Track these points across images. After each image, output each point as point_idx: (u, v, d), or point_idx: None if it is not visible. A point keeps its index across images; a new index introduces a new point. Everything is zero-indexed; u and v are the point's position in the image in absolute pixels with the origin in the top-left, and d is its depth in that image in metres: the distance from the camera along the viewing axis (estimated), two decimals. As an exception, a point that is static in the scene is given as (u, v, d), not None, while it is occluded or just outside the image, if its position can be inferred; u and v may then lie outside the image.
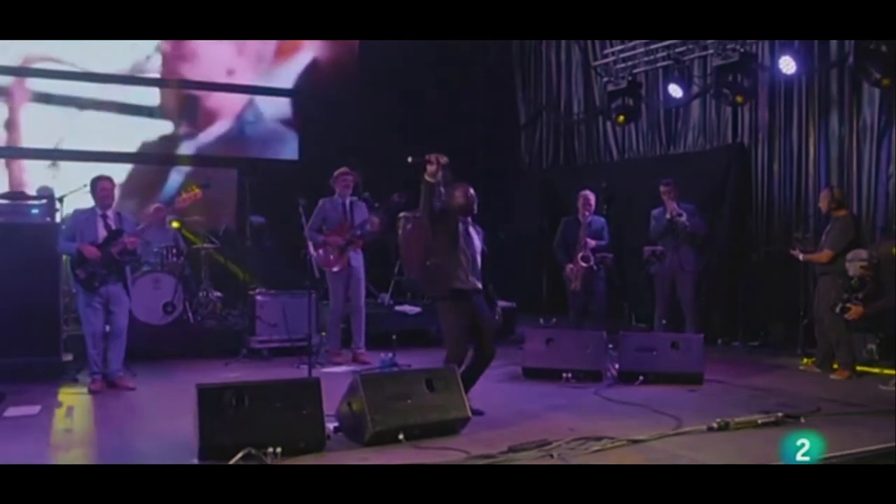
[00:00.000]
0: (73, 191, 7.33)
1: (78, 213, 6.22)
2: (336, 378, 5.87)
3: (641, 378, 6.15)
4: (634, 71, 9.06)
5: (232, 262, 9.13)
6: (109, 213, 6.12)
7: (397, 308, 8.74)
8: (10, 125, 9.61)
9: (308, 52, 11.06)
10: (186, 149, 10.48)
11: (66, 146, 9.71)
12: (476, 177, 5.29)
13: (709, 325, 7.93)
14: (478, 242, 5.18)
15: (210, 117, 10.64)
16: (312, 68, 11.07)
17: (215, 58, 10.54)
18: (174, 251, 8.03)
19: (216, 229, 9.29)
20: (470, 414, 4.69)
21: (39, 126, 9.67)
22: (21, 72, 9.62)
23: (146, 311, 7.47)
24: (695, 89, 8.81)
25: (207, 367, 6.91)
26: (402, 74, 10.58)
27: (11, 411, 5.27)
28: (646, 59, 9.01)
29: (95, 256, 5.91)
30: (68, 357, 6.66)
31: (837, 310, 6.30)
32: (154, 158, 10.33)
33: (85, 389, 6.02)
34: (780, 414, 4.81)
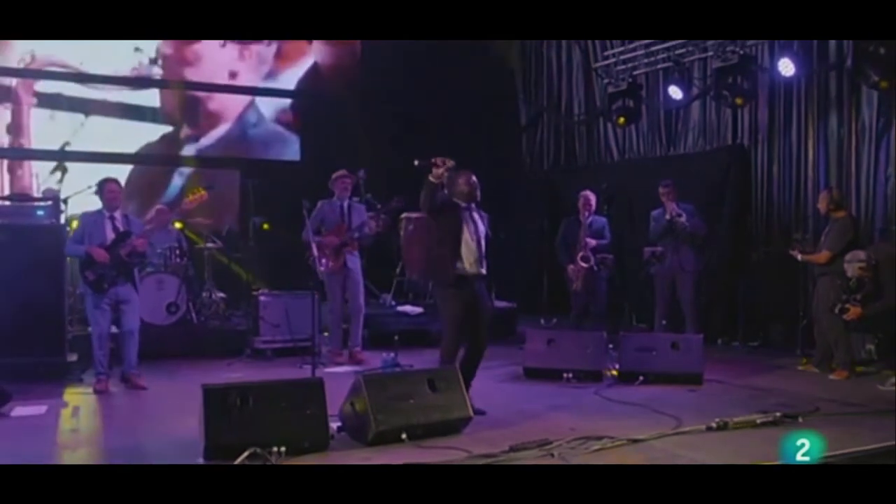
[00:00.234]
0: (77, 192, 7.39)
1: (86, 216, 6.26)
2: (338, 378, 5.92)
3: (641, 378, 6.19)
4: (635, 73, 9.09)
5: (235, 262, 9.18)
6: (117, 214, 6.17)
7: (399, 308, 8.78)
8: (16, 129, 9.66)
9: (310, 56, 11.12)
10: (188, 151, 10.53)
11: (69, 149, 9.76)
12: (477, 177, 5.35)
13: (708, 326, 7.95)
14: (482, 227, 5.26)
15: (212, 120, 10.68)
16: (314, 72, 11.12)
17: (217, 62, 10.59)
18: (177, 252, 8.08)
19: (219, 230, 9.35)
20: (472, 413, 4.74)
21: (42, 130, 9.72)
22: (25, 73, 9.67)
23: (150, 312, 7.51)
24: (695, 91, 8.84)
25: (211, 368, 6.96)
26: (402, 75, 10.62)
27: (18, 411, 5.31)
28: (646, 60, 9.05)
29: (104, 258, 5.95)
30: (73, 357, 6.73)
31: (836, 310, 6.34)
32: (156, 160, 10.37)
33: (90, 389, 6.07)
34: (778, 414, 4.85)
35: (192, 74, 10.49)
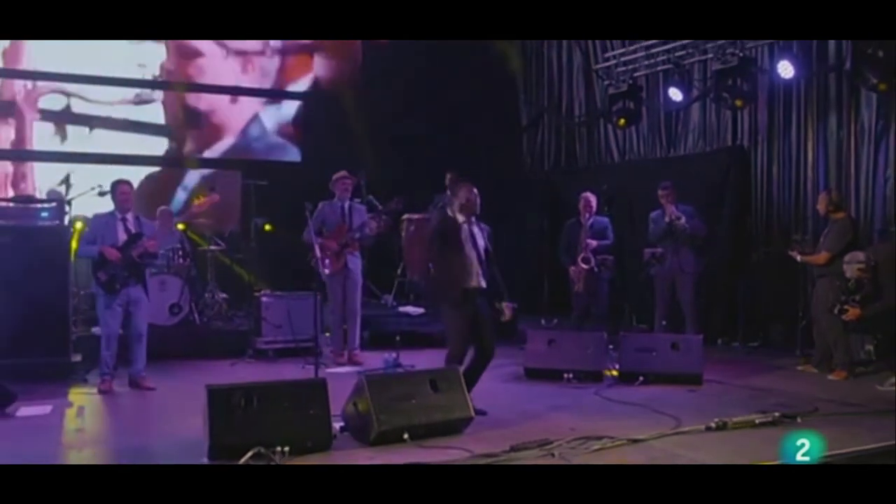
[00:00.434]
0: (80, 194, 7.42)
1: (98, 217, 6.29)
2: (339, 378, 5.94)
3: (641, 378, 6.23)
4: (635, 74, 9.12)
5: (237, 263, 9.22)
6: (129, 216, 6.21)
7: (400, 309, 8.80)
8: (20, 142, 9.73)
9: (312, 69, 11.20)
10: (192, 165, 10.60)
11: (74, 164, 9.78)
12: (477, 178, 5.37)
13: (708, 326, 7.97)
14: (481, 241, 5.30)
15: (215, 133, 10.73)
16: (315, 85, 11.19)
17: (221, 76, 10.67)
18: (180, 253, 8.12)
19: (222, 232, 9.39)
20: (473, 414, 4.78)
21: (46, 142, 9.83)
22: (28, 75, 9.71)
23: (153, 313, 7.46)
24: (694, 93, 8.87)
25: (213, 368, 7.01)
26: (403, 76, 10.65)
27: (24, 411, 5.34)
28: (646, 62, 9.07)
29: (116, 258, 5.99)
30: (77, 358, 6.76)
31: (835, 311, 6.36)
32: (161, 161, 10.43)
33: (95, 390, 6.11)
34: (777, 414, 4.88)
35: (194, 89, 10.58)
